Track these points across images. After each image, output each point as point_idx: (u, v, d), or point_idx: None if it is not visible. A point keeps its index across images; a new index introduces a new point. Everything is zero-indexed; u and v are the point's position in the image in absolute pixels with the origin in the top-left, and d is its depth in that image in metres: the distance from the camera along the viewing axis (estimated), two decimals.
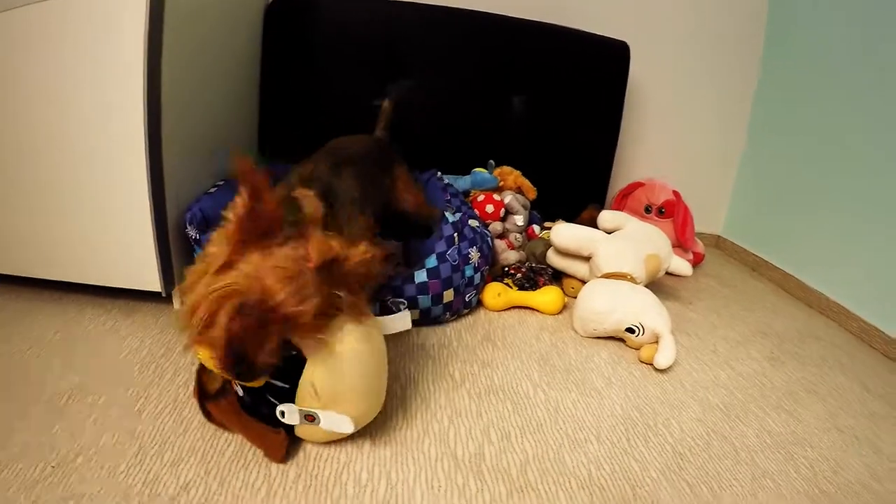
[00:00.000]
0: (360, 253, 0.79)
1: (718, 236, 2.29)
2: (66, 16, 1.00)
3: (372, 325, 0.86)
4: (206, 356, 0.72)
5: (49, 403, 0.88)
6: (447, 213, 1.29)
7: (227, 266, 0.72)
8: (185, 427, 0.85)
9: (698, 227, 2.03)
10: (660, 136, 2.17)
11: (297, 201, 0.88)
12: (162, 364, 1.01)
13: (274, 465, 0.80)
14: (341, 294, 0.79)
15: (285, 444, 0.81)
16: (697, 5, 2.01)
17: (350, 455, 0.84)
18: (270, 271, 0.71)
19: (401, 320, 0.94)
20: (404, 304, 1.19)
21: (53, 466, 0.76)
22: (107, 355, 1.03)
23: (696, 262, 1.93)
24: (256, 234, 0.73)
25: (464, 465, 0.85)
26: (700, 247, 1.96)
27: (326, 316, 0.78)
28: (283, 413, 0.80)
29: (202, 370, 0.83)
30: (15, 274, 1.19)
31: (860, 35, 1.64)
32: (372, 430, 0.89)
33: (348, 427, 0.78)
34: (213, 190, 1.28)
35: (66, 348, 1.04)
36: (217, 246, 0.75)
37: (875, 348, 1.49)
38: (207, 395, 0.84)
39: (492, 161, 1.70)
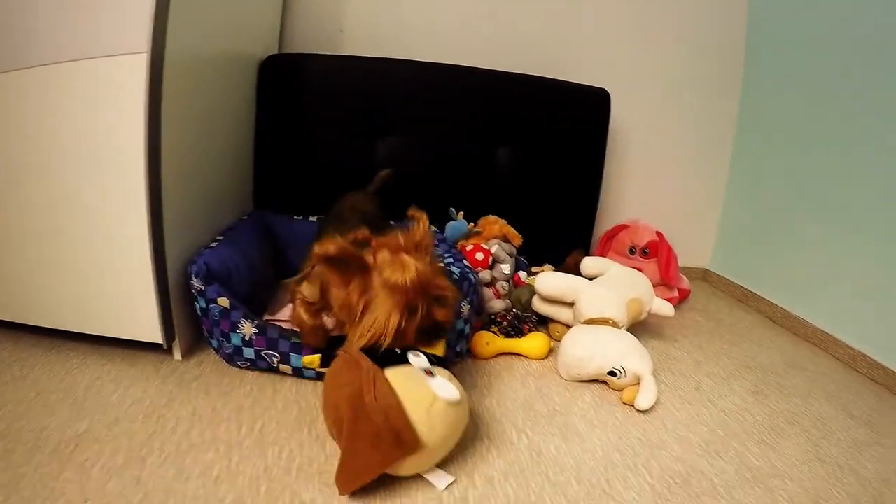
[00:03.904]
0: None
1: (706, 269, 2.34)
2: (72, 76, 1.06)
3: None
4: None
5: (56, 451, 0.92)
6: (453, 268, 1.31)
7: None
8: (188, 476, 0.89)
9: (685, 262, 2.08)
10: (644, 176, 2.23)
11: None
12: (164, 414, 1.05)
13: None
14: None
15: None
16: (675, 50, 2.11)
17: (339, 500, 0.87)
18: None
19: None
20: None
21: None
22: (111, 404, 1.07)
23: (682, 297, 1.97)
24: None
25: None
26: (685, 283, 2.01)
27: None
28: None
29: None
30: (16, 321, 1.24)
31: (837, 76, 1.72)
32: None
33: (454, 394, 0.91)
34: (214, 244, 1.30)
35: (72, 396, 1.08)
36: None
37: (861, 373, 1.52)
38: None
39: (452, 208, 1.76)
